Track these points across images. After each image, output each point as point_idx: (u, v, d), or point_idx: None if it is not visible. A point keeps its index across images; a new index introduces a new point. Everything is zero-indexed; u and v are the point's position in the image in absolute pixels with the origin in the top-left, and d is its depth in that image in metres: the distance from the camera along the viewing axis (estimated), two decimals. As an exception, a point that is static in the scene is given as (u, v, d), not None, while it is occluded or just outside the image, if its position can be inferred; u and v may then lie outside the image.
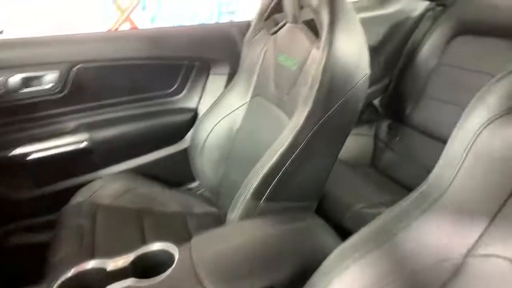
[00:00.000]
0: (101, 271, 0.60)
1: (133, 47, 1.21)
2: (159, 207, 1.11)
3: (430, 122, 1.25)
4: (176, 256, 0.62)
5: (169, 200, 1.15)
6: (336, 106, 0.71)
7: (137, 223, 1.00)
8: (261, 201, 0.77)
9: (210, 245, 0.65)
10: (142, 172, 1.26)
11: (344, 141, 0.79)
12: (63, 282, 0.58)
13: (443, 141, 1.19)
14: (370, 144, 1.40)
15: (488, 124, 0.51)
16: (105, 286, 0.51)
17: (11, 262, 1.12)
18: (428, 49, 1.25)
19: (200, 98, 1.32)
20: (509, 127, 0.47)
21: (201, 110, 1.31)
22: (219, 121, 1.10)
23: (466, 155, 0.50)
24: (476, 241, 0.46)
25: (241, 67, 1.11)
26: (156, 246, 0.65)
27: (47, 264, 0.86)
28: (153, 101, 1.31)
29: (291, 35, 0.89)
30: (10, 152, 1.11)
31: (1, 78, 1.06)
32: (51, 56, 1.11)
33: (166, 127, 1.30)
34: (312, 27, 0.79)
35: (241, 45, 1.20)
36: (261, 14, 1.02)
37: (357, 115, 0.76)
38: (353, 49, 0.69)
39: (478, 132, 0.50)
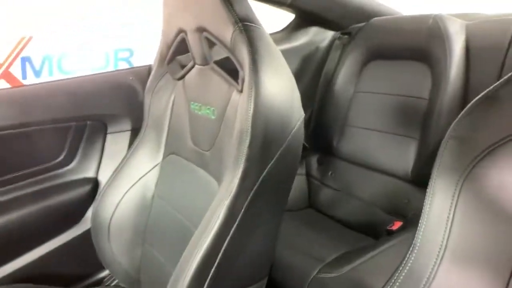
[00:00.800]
0: None
1: (2, 112, 0.94)
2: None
3: (358, 151, 1.20)
4: None
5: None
6: (274, 159, 0.56)
7: None
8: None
9: None
10: (36, 273, 0.96)
11: (288, 195, 0.65)
12: None
13: (376, 170, 1.13)
14: (304, 183, 1.29)
15: (476, 163, 0.41)
16: None
17: None
18: (343, 77, 1.22)
19: (99, 165, 1.07)
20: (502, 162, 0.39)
21: (102, 180, 1.07)
22: (128, 190, 0.88)
23: (454, 210, 0.41)
24: None
25: (146, 122, 0.92)
26: None
27: None
28: (38, 177, 1.03)
29: (203, 79, 0.73)
30: None
31: None
32: None
33: (59, 208, 1.02)
34: (228, 67, 0.65)
35: (142, 95, 1.01)
36: (162, 57, 0.85)
37: (299, 161, 0.63)
38: (284, 88, 0.57)
39: (462, 179, 0.41)
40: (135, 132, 1.06)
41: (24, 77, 2.83)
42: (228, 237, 0.56)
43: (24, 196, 1.00)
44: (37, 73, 2.83)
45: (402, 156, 1.08)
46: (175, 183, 0.83)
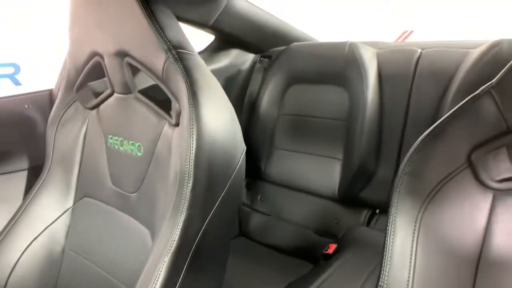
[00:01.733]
0: None
1: None
2: None
3: (286, 174, 1.19)
4: None
5: None
6: (219, 201, 0.50)
7: None
8: None
9: None
10: None
11: (232, 235, 0.59)
12: None
13: (304, 191, 1.13)
14: None
15: (431, 199, 0.42)
16: None
17: None
18: (267, 100, 1.21)
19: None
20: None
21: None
22: (28, 245, 0.73)
23: (416, 246, 0.40)
24: None
25: (50, 159, 0.77)
26: None
27: None
28: None
29: (124, 110, 0.63)
30: None
31: None
32: None
33: None
34: (158, 96, 0.57)
35: (43, 126, 0.85)
36: (69, 83, 0.73)
37: (241, 195, 0.57)
38: (226, 121, 0.51)
39: (420, 214, 0.41)
40: (33, 171, 0.88)
41: None
42: None
43: None
44: None
45: (328, 177, 1.10)
46: (92, 232, 0.70)
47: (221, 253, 0.59)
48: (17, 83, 2.36)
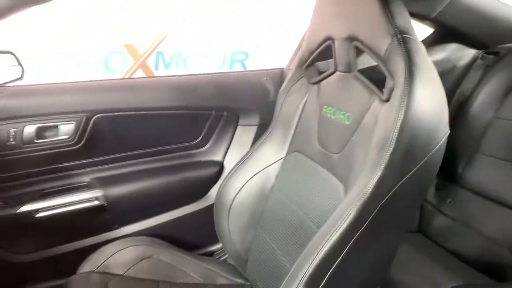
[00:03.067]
0: None
1: (155, 95, 1.13)
2: (179, 278, 0.95)
3: (488, 183, 1.09)
4: None
5: (189, 269, 0.99)
6: (412, 171, 0.57)
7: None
8: None
9: None
10: (160, 233, 1.12)
11: (415, 211, 0.64)
12: None
13: (503, 204, 1.01)
14: None
15: None
16: None
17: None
18: (482, 101, 1.12)
19: (227, 151, 1.20)
20: None
21: (227, 164, 1.19)
22: (251, 178, 0.97)
23: None
24: None
25: (275, 119, 1.00)
26: None
27: None
28: (175, 153, 1.20)
29: (342, 86, 0.77)
30: (17, 209, 0.99)
31: (15, 128, 0.97)
32: (67, 105, 1.03)
33: (189, 182, 1.18)
34: (373, 77, 0.67)
35: (274, 94, 1.10)
36: (301, 62, 0.92)
37: (434, 179, 0.62)
38: (435, 102, 0.57)
39: None
40: (261, 128, 1.16)
41: (156, 68, 3.28)
42: (352, 240, 0.57)
43: (162, 167, 1.18)
44: (166, 66, 3.25)
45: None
46: (296, 179, 0.89)
47: (400, 223, 0.66)
48: (244, 67, 2.98)
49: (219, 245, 1.20)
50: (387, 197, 0.57)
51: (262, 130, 1.05)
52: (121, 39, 2.66)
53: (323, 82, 0.86)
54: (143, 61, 2.97)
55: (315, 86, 0.89)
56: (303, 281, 0.57)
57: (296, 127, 0.94)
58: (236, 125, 1.19)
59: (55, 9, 2.19)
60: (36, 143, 1.00)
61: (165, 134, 1.18)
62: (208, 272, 1.00)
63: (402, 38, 0.57)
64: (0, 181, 1.02)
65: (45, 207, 1.01)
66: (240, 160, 1.01)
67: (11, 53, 1.12)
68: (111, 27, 2.51)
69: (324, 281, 0.57)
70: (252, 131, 1.17)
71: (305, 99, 0.92)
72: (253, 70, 1.21)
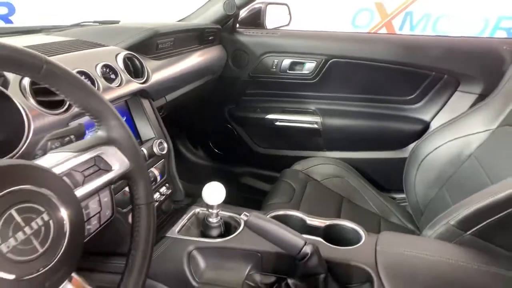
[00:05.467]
0: (301, 221, 0.73)
1: (383, 50, 1.28)
2: (359, 201, 1.17)
3: None
4: (363, 239, 0.67)
5: (371, 199, 1.19)
6: None
7: (337, 204, 1.10)
8: (467, 232, 0.67)
9: (398, 246, 0.65)
10: (355, 166, 1.34)
11: None
12: (273, 216, 0.74)
13: None
14: None
15: None
16: (301, 233, 0.62)
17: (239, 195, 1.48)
18: None
19: (437, 113, 1.25)
20: None
21: (433, 126, 1.25)
22: (450, 140, 1.02)
23: None
24: None
25: (499, 89, 0.98)
26: (348, 223, 0.72)
27: (262, 206, 1.09)
28: (387, 104, 1.35)
29: None
30: (265, 115, 1.43)
31: (277, 60, 1.36)
32: (313, 48, 1.33)
33: (392, 132, 1.32)
34: None
35: (507, 66, 1.05)
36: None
37: None
38: None
39: None
40: (481, 98, 1.14)
41: (401, 29, 3.26)
42: None
43: (372, 113, 1.36)
44: (412, 28, 3.17)
45: None
46: (501, 153, 0.88)
47: None
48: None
49: (402, 195, 1.32)
50: None
51: (481, 100, 1.05)
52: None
53: None
54: (388, 21, 3.02)
55: None
56: (458, 218, 0.65)
57: None
58: (455, 90, 1.21)
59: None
60: (288, 72, 1.37)
61: (384, 85, 1.33)
62: (385, 208, 1.17)
63: None
64: (243, 95, 1.46)
65: (283, 119, 1.41)
66: (447, 121, 1.06)
67: (286, 5, 1.51)
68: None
69: (480, 226, 0.64)
70: (470, 99, 1.17)
71: None
72: (491, 37, 1.16)
